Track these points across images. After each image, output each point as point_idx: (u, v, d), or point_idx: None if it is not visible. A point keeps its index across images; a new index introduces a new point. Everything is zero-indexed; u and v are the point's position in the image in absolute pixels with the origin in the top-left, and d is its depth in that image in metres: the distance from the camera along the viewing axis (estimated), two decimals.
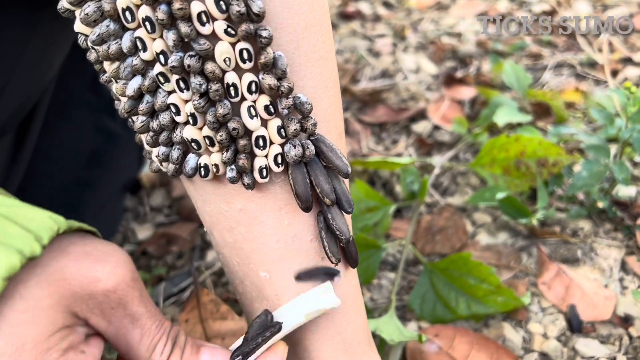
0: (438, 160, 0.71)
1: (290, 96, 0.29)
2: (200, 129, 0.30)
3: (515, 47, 0.97)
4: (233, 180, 0.31)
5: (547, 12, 1.09)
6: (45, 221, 0.28)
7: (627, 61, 0.91)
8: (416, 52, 1.01)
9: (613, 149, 0.65)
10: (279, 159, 0.30)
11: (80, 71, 0.63)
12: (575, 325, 0.53)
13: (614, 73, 0.89)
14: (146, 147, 0.33)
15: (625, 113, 0.60)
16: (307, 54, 0.30)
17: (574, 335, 0.53)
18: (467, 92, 0.86)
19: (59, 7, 0.30)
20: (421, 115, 0.84)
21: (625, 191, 0.65)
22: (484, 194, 0.63)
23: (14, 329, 0.26)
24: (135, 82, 0.29)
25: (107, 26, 0.28)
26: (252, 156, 0.30)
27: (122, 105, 0.31)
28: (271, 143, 0.30)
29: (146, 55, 0.28)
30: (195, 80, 0.28)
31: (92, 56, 0.31)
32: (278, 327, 0.32)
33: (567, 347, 0.52)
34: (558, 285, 0.57)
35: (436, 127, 0.81)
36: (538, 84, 0.89)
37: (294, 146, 0.30)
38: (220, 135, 0.29)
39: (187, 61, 0.27)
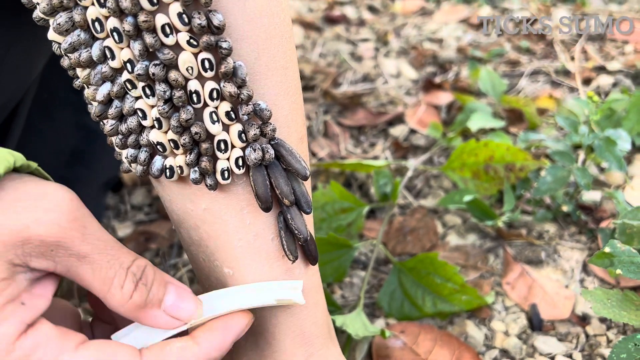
0: (412, 163, 0.74)
1: (250, 103, 0.31)
2: (166, 132, 0.32)
3: (494, 53, 0.99)
4: (196, 181, 0.33)
5: (528, 19, 1.12)
6: (3, 154, 0.28)
7: (601, 69, 0.94)
8: (398, 57, 1.03)
9: (581, 154, 0.68)
10: (240, 162, 0.32)
11: (63, 71, 0.65)
12: (535, 324, 0.56)
13: (588, 81, 0.92)
14: (116, 149, 0.35)
15: (589, 121, 0.63)
16: (267, 64, 0.32)
17: (534, 333, 0.55)
18: (444, 98, 0.88)
19: (34, 15, 0.32)
20: (399, 119, 0.86)
21: (589, 195, 0.68)
22: (454, 196, 0.65)
23: None
24: (105, 88, 0.31)
25: (78, 35, 0.30)
26: (214, 159, 0.32)
27: (93, 109, 0.33)
28: (232, 147, 0.32)
29: (114, 63, 0.30)
30: (160, 88, 0.30)
31: (65, 62, 0.33)
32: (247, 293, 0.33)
33: (527, 344, 0.54)
34: (521, 285, 0.60)
35: (412, 131, 0.84)
36: (514, 90, 0.92)
37: (254, 150, 0.32)
38: (184, 139, 0.31)
39: (152, 69, 0.29)
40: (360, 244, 0.62)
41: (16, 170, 0.30)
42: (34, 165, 0.31)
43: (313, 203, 0.66)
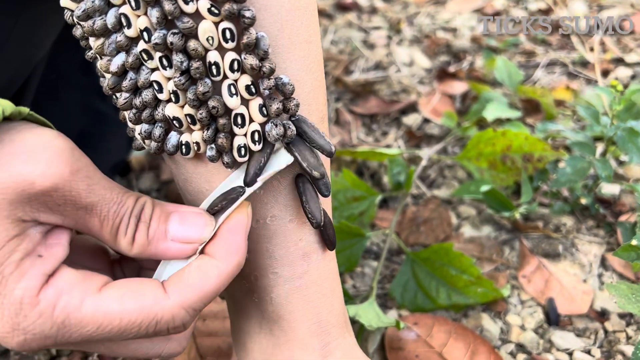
0: (426, 153, 0.72)
1: (272, 77, 0.30)
2: (182, 106, 0.30)
3: (509, 43, 0.97)
4: (213, 159, 0.31)
5: (543, 10, 1.09)
6: None
7: (619, 61, 0.92)
8: (410, 46, 1.01)
9: (599, 147, 0.66)
10: (257, 137, 0.31)
11: (71, 52, 0.63)
12: (552, 318, 0.54)
13: (606, 73, 0.90)
14: (129, 124, 0.33)
15: (611, 111, 0.61)
16: (290, 36, 0.31)
17: (551, 328, 0.54)
18: (458, 87, 0.86)
19: None
20: (412, 108, 0.84)
21: (608, 189, 0.66)
22: (470, 186, 0.64)
23: None
24: (119, 59, 0.30)
25: (92, 2, 0.29)
26: (232, 135, 0.31)
27: (106, 81, 0.31)
28: (251, 121, 0.30)
29: (130, 32, 0.29)
30: (177, 58, 0.28)
31: (77, 32, 0.31)
32: (240, 189, 0.32)
33: (544, 339, 0.53)
34: (538, 278, 0.58)
35: (426, 120, 0.82)
36: (530, 81, 0.90)
37: (275, 125, 0.30)
38: (201, 114, 0.30)
39: (170, 39, 0.28)
40: (372, 233, 0.61)
41: (8, 119, 0.29)
42: (25, 110, 0.29)
43: None
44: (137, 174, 0.74)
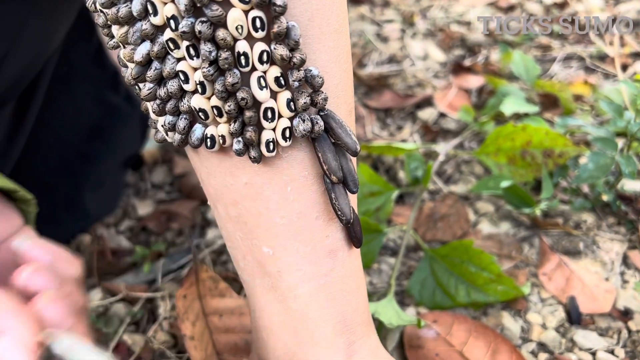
0: (443, 148, 0.71)
1: (301, 69, 0.29)
2: (209, 98, 0.29)
3: (525, 37, 0.96)
4: (240, 153, 0.30)
5: (558, 3, 1.08)
6: None
7: (638, 56, 0.90)
8: (424, 39, 1.00)
9: (620, 142, 0.65)
10: (287, 133, 0.30)
11: (84, 44, 0.63)
12: (574, 317, 0.53)
13: (624, 67, 0.89)
14: (152, 115, 0.32)
15: (634, 106, 0.60)
16: (320, 26, 0.29)
17: (573, 327, 0.53)
18: (474, 81, 0.85)
19: None
20: (427, 102, 0.83)
21: (630, 185, 0.65)
22: (488, 182, 0.63)
23: None
24: (144, 48, 0.29)
25: None
26: (259, 129, 0.30)
27: (129, 71, 0.30)
28: (280, 116, 0.29)
29: (156, 20, 0.28)
30: (206, 47, 0.27)
31: (100, 20, 0.30)
32: None
33: (566, 338, 0.52)
34: (559, 276, 0.57)
35: (442, 115, 0.81)
36: (546, 75, 0.88)
37: (303, 120, 0.29)
38: (229, 106, 0.29)
39: (199, 27, 0.27)
40: (390, 229, 0.60)
41: None
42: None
43: None
44: (150, 167, 0.73)
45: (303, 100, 0.29)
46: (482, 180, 0.64)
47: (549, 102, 0.79)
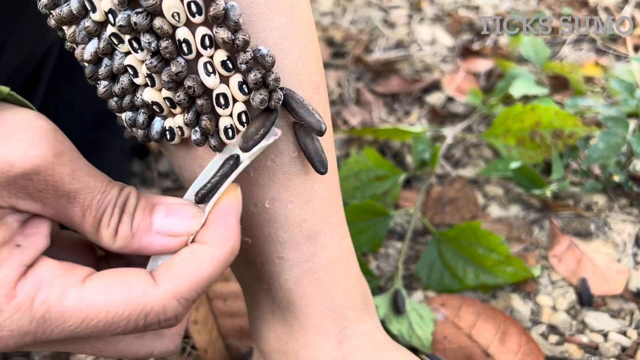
0: (451, 131, 0.70)
1: (248, 49, 0.27)
2: (160, 90, 0.29)
3: (535, 20, 0.94)
4: (198, 143, 0.29)
5: None
6: None
7: None
8: (432, 24, 0.99)
9: (632, 123, 0.63)
10: (244, 118, 0.29)
11: None
12: (585, 299, 0.52)
13: (636, 48, 0.87)
14: (116, 113, 0.32)
15: None
16: (268, 2, 0.28)
17: (584, 309, 0.52)
18: (483, 64, 0.84)
19: None
20: (435, 86, 0.82)
21: None
22: (497, 165, 0.62)
23: None
24: (92, 46, 0.28)
25: None
26: (216, 116, 0.29)
27: (85, 71, 0.30)
28: (235, 101, 0.28)
29: (96, 16, 0.27)
30: (144, 39, 0.26)
31: (52, 22, 0.30)
32: (233, 161, 0.29)
33: (577, 320, 0.51)
34: (569, 258, 0.56)
35: (450, 99, 0.80)
36: (556, 58, 0.87)
37: (259, 92, 0.28)
38: (178, 96, 0.28)
39: (134, 19, 0.26)
40: (396, 212, 0.59)
41: None
42: (5, 90, 0.27)
43: (346, 171, 0.63)
44: (156, 156, 0.73)
45: (253, 75, 0.28)
46: (491, 163, 0.63)
47: (559, 84, 0.78)
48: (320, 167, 0.31)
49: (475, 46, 0.90)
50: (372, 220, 0.57)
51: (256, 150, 0.29)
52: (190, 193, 0.30)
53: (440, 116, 0.76)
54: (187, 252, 0.28)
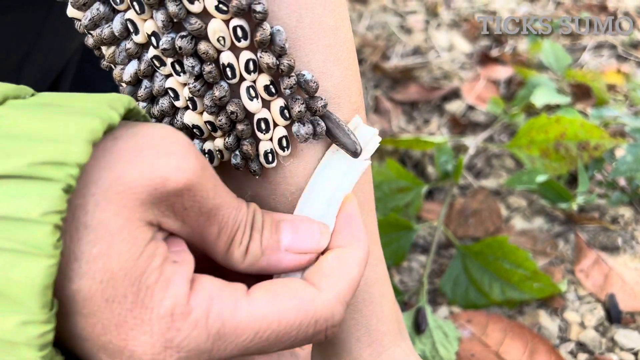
0: (472, 141, 0.69)
1: (292, 74, 0.27)
2: (201, 113, 0.28)
3: (554, 25, 0.93)
4: (238, 167, 0.29)
5: None
6: (113, 96, 0.23)
7: None
8: (449, 30, 0.98)
9: None
10: (284, 142, 0.28)
11: None
12: (614, 315, 0.51)
13: None
14: None
15: None
16: (312, 26, 0.27)
17: (613, 326, 0.51)
18: (503, 72, 0.83)
19: None
20: (454, 94, 0.81)
21: None
22: (522, 177, 0.61)
23: (93, 266, 0.22)
24: (132, 67, 0.28)
25: (97, 9, 0.27)
26: (256, 140, 0.29)
27: (123, 91, 0.29)
28: (275, 125, 0.28)
29: (139, 38, 0.27)
30: (188, 63, 0.26)
31: (89, 41, 0.29)
32: (354, 163, 0.30)
33: (606, 337, 0.50)
34: (596, 273, 0.55)
35: (470, 107, 0.79)
36: (577, 64, 0.86)
37: (303, 124, 0.28)
38: (220, 120, 0.27)
39: (179, 42, 0.25)
40: (420, 225, 0.58)
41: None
42: (133, 104, 0.25)
43: None
44: None
45: (297, 108, 0.27)
46: (515, 175, 0.62)
47: (581, 92, 0.77)
48: (352, 147, 0.29)
49: (494, 52, 0.89)
50: (395, 234, 0.56)
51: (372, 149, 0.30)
52: (302, 207, 0.30)
53: (461, 125, 0.75)
54: (333, 257, 0.28)
